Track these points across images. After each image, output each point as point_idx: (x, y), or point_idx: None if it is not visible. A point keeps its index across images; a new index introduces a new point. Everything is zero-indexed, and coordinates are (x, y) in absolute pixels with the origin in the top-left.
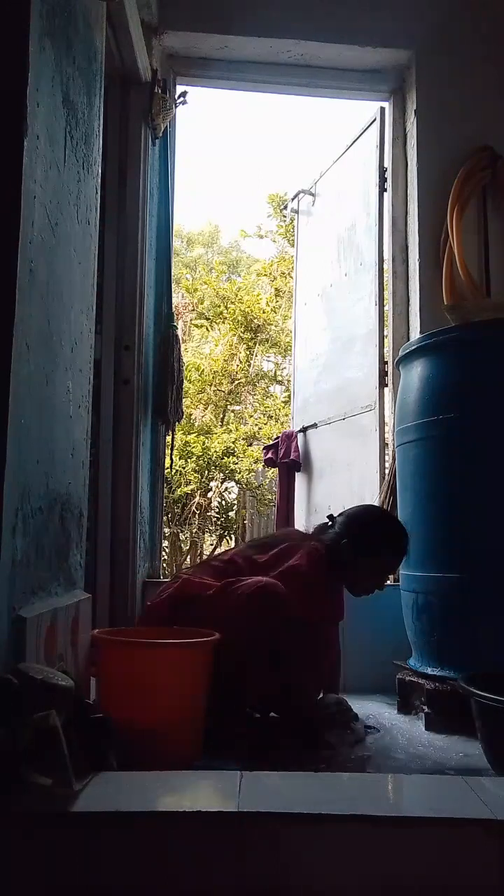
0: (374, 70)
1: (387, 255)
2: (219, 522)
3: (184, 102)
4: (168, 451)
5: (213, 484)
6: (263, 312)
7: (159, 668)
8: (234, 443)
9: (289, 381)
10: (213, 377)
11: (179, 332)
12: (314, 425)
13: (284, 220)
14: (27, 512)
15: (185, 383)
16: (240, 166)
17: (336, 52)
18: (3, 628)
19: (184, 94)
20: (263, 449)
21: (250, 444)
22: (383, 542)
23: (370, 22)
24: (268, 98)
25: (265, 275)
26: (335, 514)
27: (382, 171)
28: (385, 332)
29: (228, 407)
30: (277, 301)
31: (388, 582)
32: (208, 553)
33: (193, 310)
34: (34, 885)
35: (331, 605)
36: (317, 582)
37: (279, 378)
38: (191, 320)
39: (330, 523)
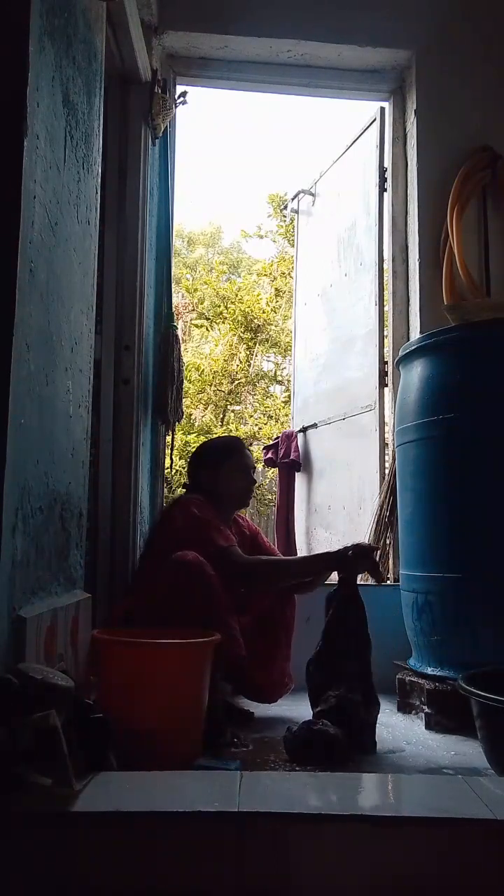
0: (373, 70)
1: (387, 255)
2: None
3: (184, 102)
4: (168, 451)
5: None
6: (263, 312)
7: (159, 668)
8: None
9: (289, 381)
10: (213, 377)
11: (179, 332)
12: (314, 425)
13: (284, 220)
14: (27, 512)
15: (185, 383)
16: (240, 166)
17: (336, 51)
18: (3, 628)
19: (184, 94)
20: (263, 449)
21: (250, 444)
22: (220, 451)
23: (370, 22)
24: (268, 98)
25: (265, 275)
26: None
27: (382, 171)
28: (385, 332)
29: (228, 407)
30: (277, 301)
31: (389, 582)
32: None
33: (193, 310)
34: (34, 884)
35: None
36: (195, 520)
37: (279, 378)
38: (191, 320)
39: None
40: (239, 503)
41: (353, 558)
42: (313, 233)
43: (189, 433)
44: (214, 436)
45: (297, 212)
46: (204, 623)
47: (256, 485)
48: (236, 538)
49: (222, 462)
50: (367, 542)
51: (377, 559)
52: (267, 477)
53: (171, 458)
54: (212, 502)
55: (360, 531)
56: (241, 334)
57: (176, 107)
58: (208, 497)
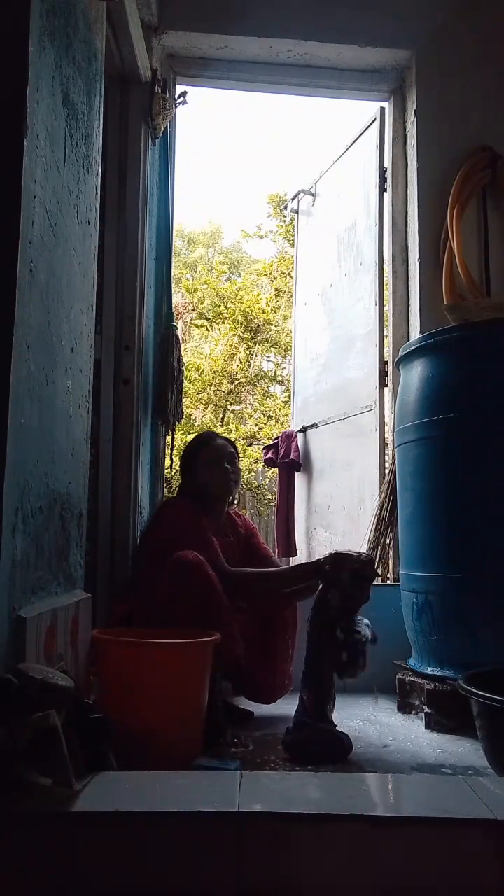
0: (373, 70)
1: (387, 255)
2: None
3: (184, 102)
4: (168, 451)
5: None
6: (263, 312)
7: (159, 668)
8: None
9: (289, 381)
10: (213, 377)
11: (179, 332)
12: (314, 425)
13: (284, 220)
14: (27, 512)
15: (185, 383)
16: (240, 166)
17: (336, 51)
18: (3, 628)
19: (184, 93)
20: (263, 449)
21: (250, 444)
22: (189, 451)
23: (370, 22)
24: (268, 98)
25: (265, 275)
26: None
27: (382, 171)
28: (385, 332)
29: (228, 407)
30: (277, 301)
31: (389, 582)
32: None
33: (193, 310)
34: (34, 885)
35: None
36: (180, 528)
37: (279, 378)
38: (191, 320)
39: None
40: (221, 495)
41: (329, 569)
42: (313, 233)
43: (189, 433)
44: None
45: (297, 212)
46: (203, 622)
47: (233, 471)
48: (231, 536)
49: (193, 460)
50: (348, 550)
51: (361, 563)
52: (267, 477)
53: (171, 458)
54: (198, 503)
55: (360, 531)
56: (241, 334)
57: (176, 107)
58: (194, 499)
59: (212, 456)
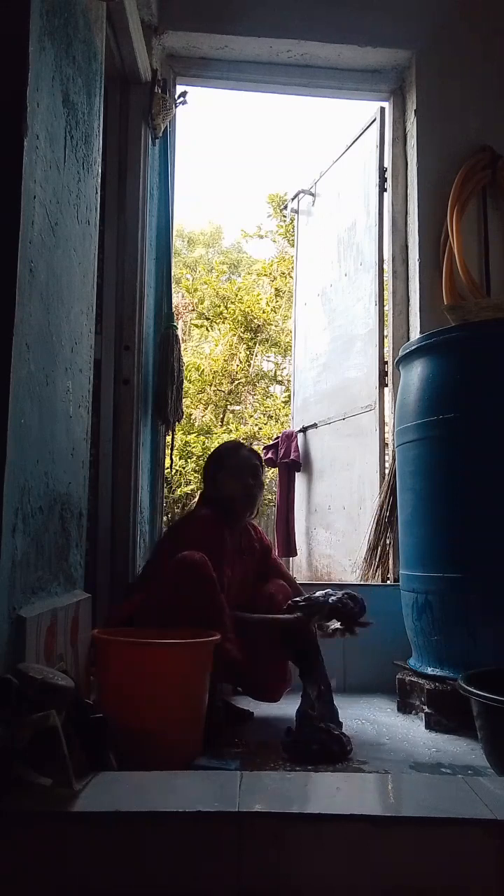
0: (373, 70)
1: (387, 255)
2: None
3: (184, 102)
4: (168, 451)
5: None
6: (263, 312)
7: (159, 667)
8: None
9: (289, 381)
10: (213, 377)
11: (179, 332)
12: (314, 425)
13: (284, 220)
14: (27, 512)
15: (185, 383)
16: (240, 166)
17: (336, 51)
18: (3, 628)
19: (184, 94)
20: (263, 449)
21: (250, 445)
22: (213, 459)
23: (370, 22)
24: (268, 98)
25: (265, 275)
26: None
27: (382, 171)
28: (385, 332)
29: (228, 407)
30: (277, 301)
31: (389, 582)
32: None
33: (193, 310)
34: (34, 885)
35: (240, 541)
36: (200, 536)
37: (279, 378)
38: (191, 320)
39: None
40: (240, 508)
41: (303, 622)
42: (313, 233)
43: (189, 433)
44: (216, 437)
45: (297, 212)
46: (205, 623)
47: (255, 484)
48: (245, 552)
49: (217, 468)
50: (323, 596)
51: (335, 611)
52: (267, 477)
53: (171, 458)
54: (218, 512)
55: (360, 531)
56: (241, 334)
57: (176, 107)
58: (214, 507)
59: (235, 467)
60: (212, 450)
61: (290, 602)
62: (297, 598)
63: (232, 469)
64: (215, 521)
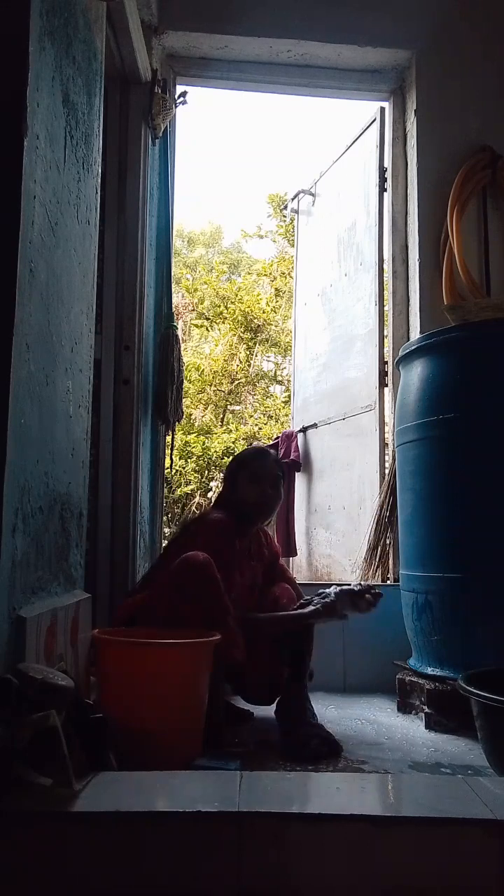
0: (373, 70)
1: (387, 255)
2: None
3: (184, 102)
4: (168, 451)
5: (213, 484)
6: (263, 312)
7: (159, 667)
8: (234, 443)
9: (289, 381)
10: (213, 377)
11: (179, 332)
12: (314, 425)
13: (284, 220)
14: (27, 512)
15: (185, 383)
16: (240, 166)
17: (336, 51)
18: (3, 628)
19: (184, 93)
20: None
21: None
22: (233, 463)
23: (370, 22)
24: (268, 98)
25: (265, 275)
26: None
27: (382, 171)
28: (385, 332)
29: (228, 407)
30: (277, 301)
31: (389, 582)
32: None
33: (193, 310)
34: (34, 885)
35: (260, 545)
36: (210, 539)
37: (279, 378)
38: (191, 320)
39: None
40: (254, 514)
41: (322, 613)
42: (313, 233)
43: (189, 433)
44: (216, 438)
45: (297, 212)
46: (207, 623)
47: (273, 495)
48: (254, 558)
49: (239, 472)
50: (334, 592)
51: (348, 604)
52: None
53: (171, 458)
54: (231, 516)
55: (360, 531)
56: (241, 334)
57: (176, 107)
58: (228, 510)
59: (257, 473)
60: (236, 452)
61: (300, 602)
62: (305, 599)
63: (253, 474)
64: (227, 525)
